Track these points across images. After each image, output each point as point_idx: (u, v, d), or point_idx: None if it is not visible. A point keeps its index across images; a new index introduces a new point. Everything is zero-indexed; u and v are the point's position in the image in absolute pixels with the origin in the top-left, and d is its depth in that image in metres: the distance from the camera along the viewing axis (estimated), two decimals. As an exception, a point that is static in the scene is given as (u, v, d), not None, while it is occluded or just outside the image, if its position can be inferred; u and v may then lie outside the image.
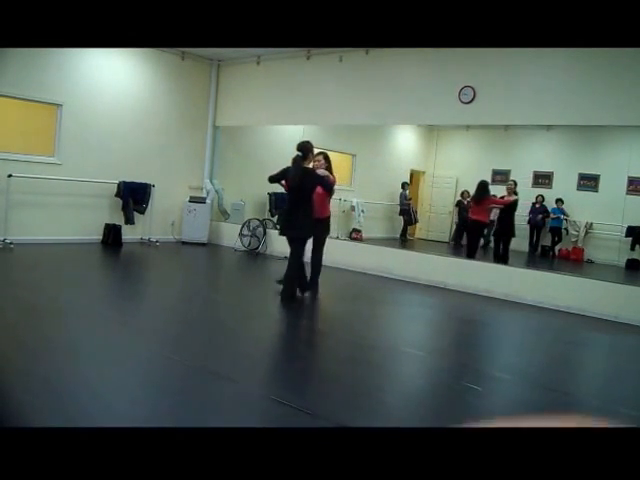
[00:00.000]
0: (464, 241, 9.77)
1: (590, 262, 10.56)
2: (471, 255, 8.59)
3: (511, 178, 9.70)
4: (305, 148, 5.85)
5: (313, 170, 5.88)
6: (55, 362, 3.53)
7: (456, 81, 7.51)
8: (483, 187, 8.82)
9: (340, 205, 11.47)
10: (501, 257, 8.77)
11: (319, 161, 6.07)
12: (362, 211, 11.62)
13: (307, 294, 6.23)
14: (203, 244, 10.00)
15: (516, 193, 8.95)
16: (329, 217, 6.35)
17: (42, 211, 8.31)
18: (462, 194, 11.48)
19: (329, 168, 6.08)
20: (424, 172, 13.35)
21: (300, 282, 6.09)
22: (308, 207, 5.78)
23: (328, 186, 5.90)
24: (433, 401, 3.57)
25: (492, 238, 9.90)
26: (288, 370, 3.92)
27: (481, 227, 9.07)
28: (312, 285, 6.29)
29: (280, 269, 8.68)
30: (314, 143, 11.35)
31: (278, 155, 10.56)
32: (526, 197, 11.32)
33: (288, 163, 10.80)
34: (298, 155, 5.79)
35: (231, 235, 10.04)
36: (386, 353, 4.54)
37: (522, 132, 11.29)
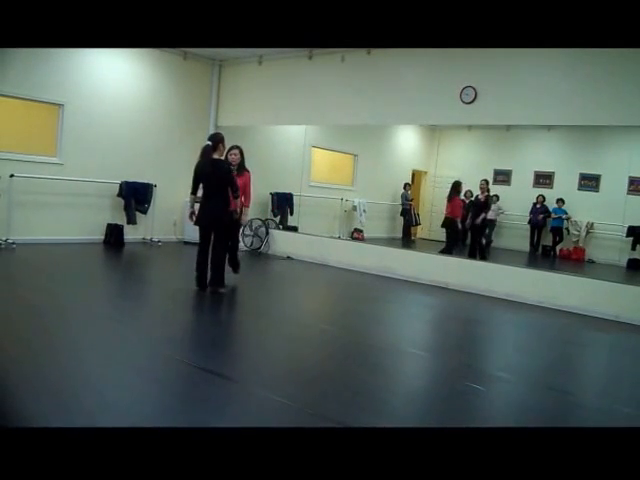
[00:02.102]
0: (467, 241, 9.89)
1: (591, 262, 10.57)
2: (449, 251, 9.14)
3: (482, 178, 9.91)
4: (216, 139, 5.91)
5: (223, 161, 5.97)
6: (57, 361, 3.55)
7: (457, 81, 7.51)
8: (454, 187, 9.74)
9: (342, 205, 11.51)
10: (479, 252, 9.37)
11: (235, 154, 6.27)
12: (364, 211, 11.64)
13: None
14: (205, 244, 10.00)
15: (489, 191, 9.66)
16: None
17: (44, 211, 8.32)
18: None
19: (242, 163, 6.33)
20: (426, 172, 13.37)
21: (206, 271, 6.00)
22: (220, 196, 5.80)
23: (234, 185, 5.90)
24: (436, 401, 3.58)
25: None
26: (290, 370, 3.93)
27: (454, 222, 9.68)
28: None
29: (280, 268, 8.72)
30: (316, 143, 11.44)
31: (280, 155, 10.62)
32: (527, 197, 11.39)
33: (289, 163, 10.84)
34: (208, 145, 5.83)
35: (233, 235, 10.05)
36: (388, 353, 4.55)
37: (523, 132, 11.31)
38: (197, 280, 5.96)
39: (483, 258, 8.99)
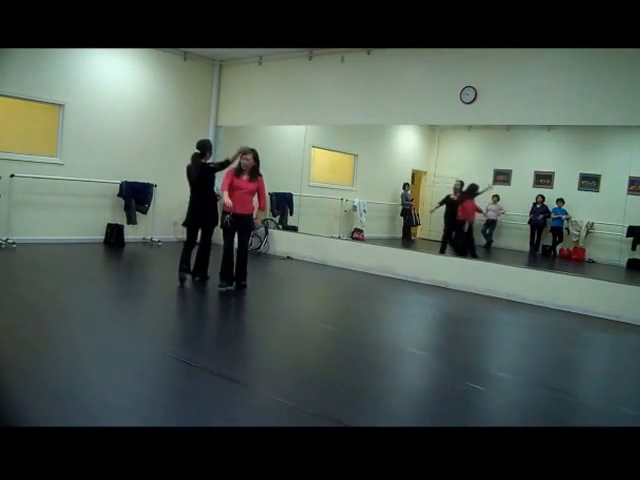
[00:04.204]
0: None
1: (591, 262, 10.56)
2: (466, 252, 9.16)
3: (458, 179, 10.06)
4: (203, 146, 6.38)
5: (205, 164, 6.31)
6: (57, 361, 3.55)
7: (457, 81, 7.52)
8: (470, 190, 9.76)
9: (342, 205, 11.50)
10: (453, 247, 9.54)
11: (247, 159, 6.17)
12: (364, 211, 11.64)
13: (197, 278, 6.59)
14: (205, 244, 9.99)
15: (462, 192, 9.77)
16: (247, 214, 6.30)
17: (44, 211, 8.32)
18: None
19: (256, 168, 6.21)
20: (426, 172, 13.36)
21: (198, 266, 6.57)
22: (205, 198, 6.36)
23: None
24: (436, 401, 3.58)
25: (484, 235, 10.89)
26: (290, 369, 3.93)
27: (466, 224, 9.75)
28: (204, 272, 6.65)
29: (280, 268, 8.72)
30: (316, 143, 11.42)
31: (280, 155, 10.60)
32: (527, 197, 11.38)
33: (289, 163, 10.84)
34: (196, 153, 6.32)
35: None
36: (388, 353, 4.55)
37: (523, 132, 11.30)
38: (182, 275, 6.37)
39: (460, 255, 9.03)
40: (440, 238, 9.99)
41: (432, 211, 10.91)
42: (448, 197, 9.98)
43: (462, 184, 9.87)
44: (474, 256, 9.10)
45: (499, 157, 12.26)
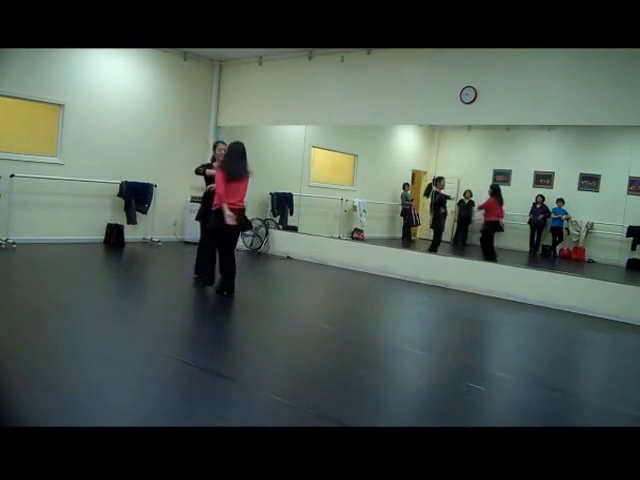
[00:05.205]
0: (469, 241, 9.90)
1: (591, 262, 10.56)
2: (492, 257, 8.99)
3: (437, 175, 10.22)
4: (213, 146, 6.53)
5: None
6: (57, 361, 3.55)
7: (457, 81, 7.52)
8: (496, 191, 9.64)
9: (342, 205, 11.50)
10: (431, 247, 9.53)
11: (220, 150, 6.28)
12: (364, 211, 11.64)
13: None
14: (205, 244, 9.98)
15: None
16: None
17: (44, 211, 8.32)
18: (464, 194, 11.53)
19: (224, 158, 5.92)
20: (426, 172, 13.36)
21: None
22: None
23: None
24: (436, 401, 3.58)
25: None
26: (290, 369, 3.94)
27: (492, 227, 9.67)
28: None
29: (280, 268, 8.72)
30: (316, 143, 11.43)
31: (280, 155, 10.62)
32: (527, 197, 11.38)
33: (289, 163, 10.87)
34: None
35: (233, 235, 10.02)
36: (388, 353, 4.55)
37: (523, 132, 11.30)
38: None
39: (432, 251, 9.07)
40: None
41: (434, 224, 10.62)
42: (434, 193, 9.91)
43: (434, 180, 9.88)
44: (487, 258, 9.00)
45: (499, 157, 12.26)
